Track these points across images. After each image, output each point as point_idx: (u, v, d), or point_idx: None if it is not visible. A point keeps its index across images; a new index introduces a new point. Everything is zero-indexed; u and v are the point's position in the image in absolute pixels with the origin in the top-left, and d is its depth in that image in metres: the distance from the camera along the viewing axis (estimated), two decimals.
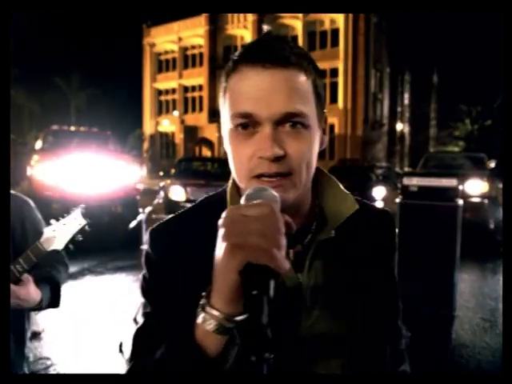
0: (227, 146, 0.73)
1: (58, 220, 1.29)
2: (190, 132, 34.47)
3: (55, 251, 1.29)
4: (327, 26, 29.09)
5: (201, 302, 0.60)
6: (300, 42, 29.30)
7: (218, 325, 0.58)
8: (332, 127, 29.26)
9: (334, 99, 29.02)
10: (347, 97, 28.50)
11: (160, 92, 38.78)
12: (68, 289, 4.90)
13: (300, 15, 29.02)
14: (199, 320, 0.59)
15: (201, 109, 35.69)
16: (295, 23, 29.47)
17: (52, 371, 3.11)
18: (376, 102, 32.47)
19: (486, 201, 8.32)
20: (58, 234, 1.26)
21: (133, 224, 4.19)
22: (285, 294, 0.71)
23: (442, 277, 4.28)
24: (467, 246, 6.32)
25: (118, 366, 3.17)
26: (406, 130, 42.68)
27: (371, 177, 12.69)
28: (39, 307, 1.33)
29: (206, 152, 34.40)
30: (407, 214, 4.44)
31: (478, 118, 37.15)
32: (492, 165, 9.85)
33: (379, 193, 11.78)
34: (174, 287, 0.73)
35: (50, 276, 1.40)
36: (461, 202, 4.35)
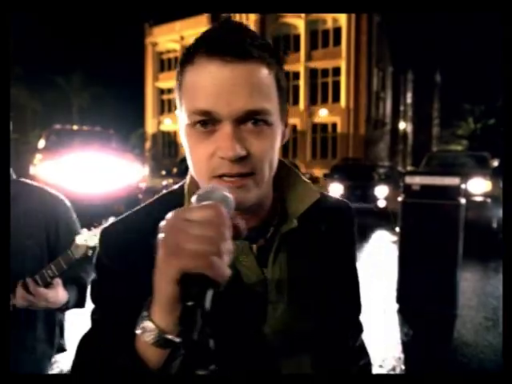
0: (185, 143, 0.69)
1: (89, 229, 1.33)
2: None
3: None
4: (329, 24, 29.05)
5: (142, 312, 0.56)
6: (302, 40, 29.29)
7: (156, 337, 0.54)
8: (334, 126, 29.24)
9: (336, 98, 28.99)
10: (349, 96, 28.46)
11: (162, 91, 38.80)
12: None
13: (302, 14, 28.98)
14: (138, 331, 0.55)
15: None
16: (297, 22, 29.43)
17: (56, 369, 3.12)
18: (378, 101, 32.42)
19: (488, 200, 8.33)
20: (88, 244, 1.31)
21: None
22: (250, 289, 0.70)
23: (444, 275, 4.28)
24: (470, 245, 6.32)
25: None
26: (409, 129, 42.64)
27: (373, 176, 12.69)
28: (65, 308, 1.39)
29: None
30: (410, 212, 4.44)
31: (481, 116, 37.05)
32: (495, 164, 9.85)
33: (382, 192, 11.78)
34: (126, 293, 0.67)
35: (78, 277, 1.45)
36: (463, 200, 4.34)
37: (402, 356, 3.53)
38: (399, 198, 4.57)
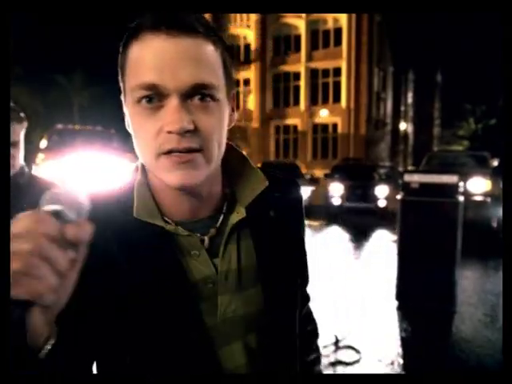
0: (130, 125, 0.67)
1: None
2: None
3: None
4: (330, 25, 29.08)
5: None
6: (303, 41, 29.32)
7: None
8: (335, 126, 29.26)
9: (336, 99, 29.01)
10: (350, 96, 28.48)
11: None
12: None
13: (303, 14, 29.01)
14: None
15: None
16: (298, 22, 29.46)
17: None
18: (379, 101, 32.44)
19: (488, 199, 8.36)
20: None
21: None
22: (201, 282, 0.70)
23: (442, 272, 4.32)
24: (470, 244, 6.35)
25: None
26: (410, 129, 42.66)
27: (374, 176, 12.73)
28: None
29: None
30: (408, 210, 4.48)
31: (482, 117, 37.07)
32: (495, 163, 9.88)
33: (382, 191, 11.82)
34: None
35: None
36: (461, 198, 4.38)
37: (400, 351, 3.58)
38: (398, 196, 4.61)
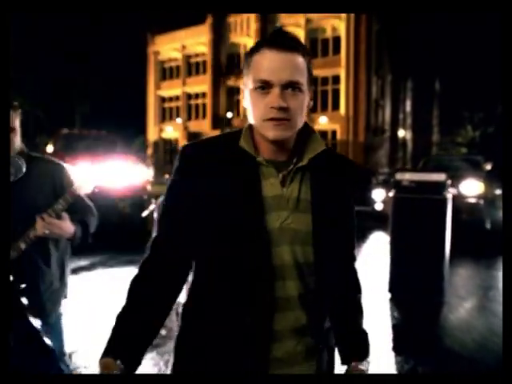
0: (248, 102, 1.08)
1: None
2: (194, 138, 34.59)
3: (86, 203, 1.92)
4: (329, 33, 29.52)
5: None
6: None
7: None
8: (334, 133, 29.58)
9: (335, 106, 29.35)
10: (349, 104, 28.82)
11: (164, 99, 39.23)
12: (82, 281, 5.20)
13: (302, 23, 29.44)
14: None
15: (204, 116, 36.11)
16: (297, 31, 29.81)
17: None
18: (378, 108, 32.75)
19: (481, 201, 8.54)
20: (84, 182, 1.80)
21: (145, 213, 4.63)
22: (272, 199, 1.08)
23: (432, 265, 4.56)
24: (464, 244, 6.59)
25: None
26: (408, 136, 42.90)
27: (371, 180, 12.96)
28: (73, 239, 1.83)
29: None
30: (400, 206, 4.73)
31: (480, 124, 37.31)
32: (488, 167, 10.11)
33: (379, 195, 12.07)
34: (191, 205, 1.07)
35: (83, 220, 1.91)
36: (449, 195, 4.64)
37: (391, 335, 3.83)
38: (390, 194, 4.87)
